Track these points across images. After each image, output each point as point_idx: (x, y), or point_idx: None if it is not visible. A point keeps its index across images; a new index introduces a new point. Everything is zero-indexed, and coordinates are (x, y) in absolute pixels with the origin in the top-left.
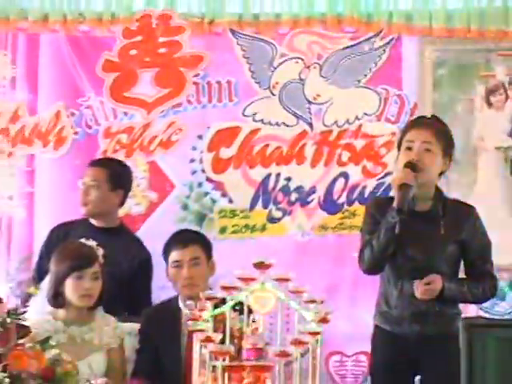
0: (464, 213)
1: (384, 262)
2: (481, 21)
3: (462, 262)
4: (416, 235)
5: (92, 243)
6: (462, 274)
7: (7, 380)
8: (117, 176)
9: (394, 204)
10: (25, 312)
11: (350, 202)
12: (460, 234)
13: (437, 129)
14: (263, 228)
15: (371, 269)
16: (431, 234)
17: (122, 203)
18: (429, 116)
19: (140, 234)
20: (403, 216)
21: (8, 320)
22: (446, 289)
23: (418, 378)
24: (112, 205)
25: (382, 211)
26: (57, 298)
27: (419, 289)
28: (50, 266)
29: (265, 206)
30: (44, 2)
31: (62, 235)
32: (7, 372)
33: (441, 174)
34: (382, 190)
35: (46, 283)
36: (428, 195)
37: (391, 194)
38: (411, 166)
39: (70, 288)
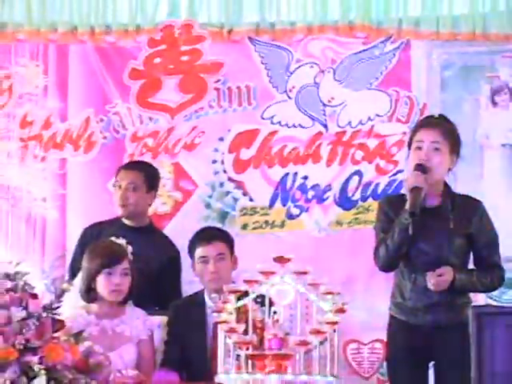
0: (472, 207)
1: (398, 260)
2: (485, 25)
3: (471, 254)
4: (427, 230)
5: (121, 241)
6: (471, 266)
7: (43, 372)
8: (151, 178)
9: (407, 206)
10: (59, 307)
11: (364, 199)
12: (468, 227)
13: (444, 128)
14: (282, 224)
15: (386, 267)
16: (441, 228)
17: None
18: (437, 116)
19: (166, 231)
20: (416, 217)
21: (43, 315)
22: (457, 280)
23: (431, 364)
24: (147, 206)
25: (394, 208)
26: (89, 293)
27: (432, 280)
28: (82, 263)
29: (283, 204)
30: (73, 15)
31: (95, 234)
32: (43, 364)
33: (449, 170)
34: (394, 186)
35: (79, 279)
36: (437, 191)
37: (402, 190)
38: (421, 168)
39: (101, 284)
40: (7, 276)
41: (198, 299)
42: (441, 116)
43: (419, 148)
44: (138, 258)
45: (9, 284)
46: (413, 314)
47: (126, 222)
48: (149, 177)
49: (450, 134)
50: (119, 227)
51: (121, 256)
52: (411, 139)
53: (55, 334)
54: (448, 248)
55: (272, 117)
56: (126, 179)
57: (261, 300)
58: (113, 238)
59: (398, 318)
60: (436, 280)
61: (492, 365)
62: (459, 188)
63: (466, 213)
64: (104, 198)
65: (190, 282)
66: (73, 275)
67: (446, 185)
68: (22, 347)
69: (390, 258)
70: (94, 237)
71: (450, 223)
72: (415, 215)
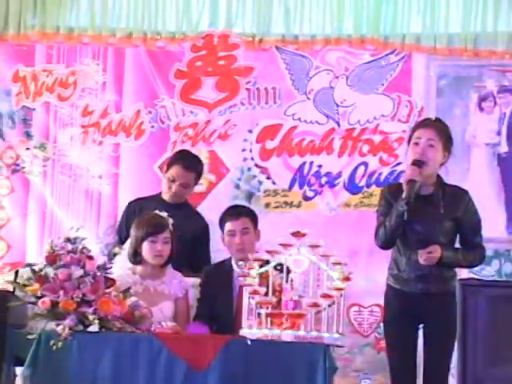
0: (459, 195)
1: (395, 240)
2: (475, 42)
3: (458, 235)
4: (421, 214)
5: (164, 214)
6: (457, 245)
7: (96, 321)
8: (200, 176)
9: (403, 196)
10: (111, 267)
11: (369, 185)
12: (456, 212)
13: (439, 129)
14: (299, 204)
15: (385, 245)
16: (433, 212)
17: None
18: (433, 118)
19: (201, 207)
20: (410, 205)
21: (98, 274)
22: (445, 256)
23: (421, 326)
24: (189, 194)
25: (394, 195)
26: (135, 257)
27: (423, 257)
28: (131, 231)
29: (300, 187)
30: (129, 23)
31: (137, 208)
32: (96, 314)
33: (441, 164)
34: (394, 175)
35: (127, 245)
36: (431, 182)
37: (401, 180)
38: (417, 163)
39: (146, 249)
40: (68, 240)
41: (226, 265)
42: (437, 119)
43: (417, 144)
44: (176, 229)
45: (70, 247)
46: (406, 283)
47: (165, 197)
48: (199, 175)
49: (444, 134)
50: (159, 202)
51: (163, 227)
52: (410, 136)
53: (107, 290)
54: (438, 229)
55: (293, 114)
56: (182, 178)
57: (280, 268)
58: (157, 211)
59: (393, 286)
60: (426, 256)
61: (475, 329)
62: (449, 179)
63: (455, 200)
64: (150, 178)
65: (219, 251)
66: (119, 241)
67: (438, 176)
68: (79, 300)
69: (388, 238)
70: (137, 210)
71: (441, 209)
72: (410, 204)
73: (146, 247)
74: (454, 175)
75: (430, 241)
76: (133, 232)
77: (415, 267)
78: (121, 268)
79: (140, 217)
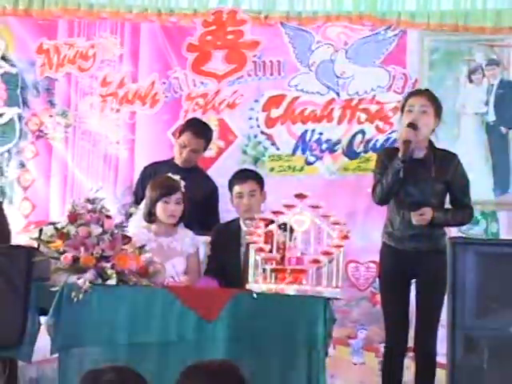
0: (450, 159)
1: (391, 196)
2: (466, 19)
3: (448, 196)
4: (414, 177)
5: (176, 177)
6: (447, 205)
7: (114, 275)
8: (209, 143)
9: (399, 155)
10: (127, 226)
11: (366, 151)
12: (446, 175)
13: (430, 96)
14: (301, 169)
15: (381, 201)
16: (425, 175)
17: None
18: (424, 89)
19: (211, 171)
20: (406, 164)
21: (115, 231)
22: (436, 217)
23: (413, 281)
24: (199, 158)
25: (389, 158)
26: (150, 216)
27: (415, 218)
28: (146, 192)
29: (303, 153)
30: (144, 0)
31: (152, 171)
32: (114, 269)
33: (432, 130)
34: (389, 142)
35: (143, 205)
36: (423, 146)
37: (396, 145)
38: (412, 125)
39: (159, 209)
40: (88, 200)
41: (234, 224)
42: (426, 90)
43: (410, 111)
44: (187, 191)
45: (89, 207)
46: (400, 241)
47: (178, 162)
48: (208, 142)
49: (435, 102)
50: (172, 166)
51: (176, 188)
52: (403, 105)
53: (124, 247)
54: (429, 191)
55: (296, 85)
56: (192, 145)
57: (283, 227)
58: (170, 174)
59: (388, 244)
60: (419, 218)
61: (463, 283)
62: (440, 146)
63: (445, 163)
64: (163, 144)
65: (228, 211)
66: (135, 201)
67: (430, 141)
68: (98, 256)
69: (384, 195)
70: (152, 173)
71: (432, 172)
72: (405, 162)
73: (159, 207)
74: (444, 142)
75: (422, 202)
76: (147, 193)
77: (408, 227)
78: (136, 226)
79: (154, 179)
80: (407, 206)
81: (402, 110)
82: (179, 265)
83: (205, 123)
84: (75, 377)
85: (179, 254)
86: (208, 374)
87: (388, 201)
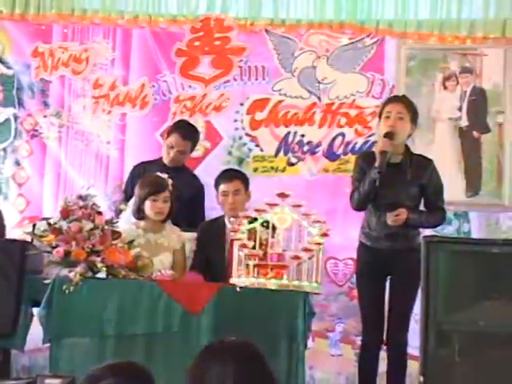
0: (425, 164)
1: (367, 203)
2: (441, 28)
3: (422, 199)
4: (390, 180)
5: (164, 176)
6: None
7: (104, 268)
8: (195, 144)
9: (376, 165)
10: (117, 222)
11: (345, 153)
12: (421, 179)
13: (407, 103)
14: (284, 169)
15: (358, 207)
16: (401, 179)
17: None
18: (401, 95)
19: (198, 170)
20: (381, 173)
21: (106, 227)
22: (410, 218)
23: (388, 278)
24: (186, 158)
25: (367, 162)
26: (139, 213)
27: (390, 218)
28: (135, 190)
29: (285, 154)
30: (135, 6)
31: (141, 170)
32: (104, 263)
33: (409, 136)
34: (368, 145)
35: (132, 202)
36: (399, 151)
37: (373, 149)
38: (388, 135)
39: (148, 207)
40: (80, 197)
41: (220, 222)
42: (403, 96)
43: (388, 117)
44: (175, 190)
45: (81, 203)
46: (376, 240)
47: (166, 162)
48: (195, 144)
49: (411, 108)
50: (160, 166)
51: (163, 187)
52: (381, 111)
53: (114, 242)
54: (405, 194)
55: (280, 89)
56: (179, 146)
57: (266, 224)
58: (158, 173)
59: (365, 243)
60: (394, 218)
61: (436, 280)
62: (416, 150)
63: (420, 168)
64: (152, 144)
65: (213, 209)
66: (125, 199)
67: (406, 146)
68: (89, 250)
69: (361, 202)
70: (141, 172)
71: (408, 175)
72: (381, 172)
73: (148, 205)
74: (420, 146)
75: (398, 204)
76: (137, 191)
77: (384, 227)
78: (126, 223)
79: (143, 178)
80: (383, 207)
81: (380, 116)
82: (166, 260)
83: (192, 125)
84: (66, 365)
85: (166, 249)
86: (227, 352)
87: (365, 207)
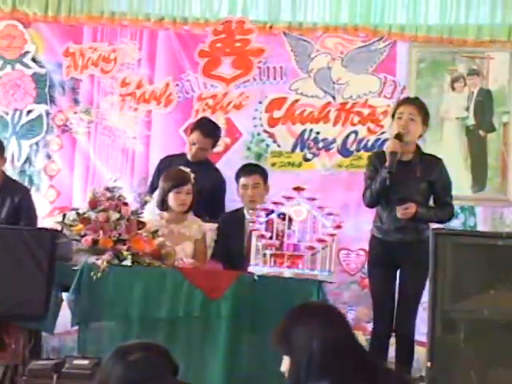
0: (434, 162)
1: (379, 200)
2: (450, 33)
3: (432, 196)
4: (401, 176)
5: (187, 169)
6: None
7: (129, 256)
8: (217, 141)
9: (386, 165)
10: (142, 213)
11: (358, 150)
12: (430, 176)
13: (419, 105)
14: (300, 164)
15: (370, 205)
16: (411, 176)
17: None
18: (414, 97)
19: (219, 164)
20: (392, 174)
21: (131, 217)
22: (419, 212)
23: (398, 268)
24: (208, 154)
25: (379, 160)
26: (163, 205)
27: (400, 211)
28: (159, 182)
29: (301, 150)
30: (161, 9)
31: (167, 164)
32: (129, 251)
33: (420, 136)
34: (379, 142)
35: (156, 194)
36: (410, 150)
37: (384, 147)
38: (399, 137)
39: (171, 199)
40: (107, 189)
41: (239, 213)
42: (416, 98)
43: (400, 118)
44: (197, 183)
45: (108, 194)
46: (387, 233)
47: (188, 157)
48: (216, 141)
49: (422, 110)
50: (185, 160)
51: (186, 180)
52: (394, 112)
53: (139, 231)
54: (415, 190)
55: (297, 89)
56: (201, 143)
57: (283, 216)
58: (181, 167)
59: (376, 236)
60: (403, 212)
61: (444, 271)
62: (425, 147)
63: (430, 166)
64: (176, 139)
65: (234, 201)
66: (151, 191)
67: (417, 146)
68: (115, 239)
69: (373, 200)
70: (166, 166)
71: (418, 172)
72: (391, 172)
73: (171, 197)
74: (429, 144)
75: (408, 199)
76: (161, 184)
77: (395, 220)
78: (151, 213)
79: (167, 172)
80: (394, 202)
81: (393, 116)
82: (188, 248)
83: (214, 123)
84: (93, 347)
85: (188, 238)
86: (313, 312)
87: (377, 204)
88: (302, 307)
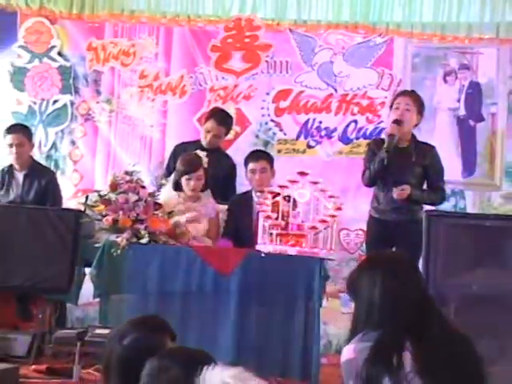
0: (428, 149)
1: (376, 180)
2: (443, 30)
3: (426, 180)
4: (397, 161)
5: (202, 153)
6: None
7: (147, 235)
8: (230, 129)
9: (384, 146)
10: (158, 194)
11: (357, 138)
12: (424, 161)
13: (414, 97)
14: (304, 151)
15: (369, 184)
16: (406, 160)
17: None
18: (410, 90)
19: (230, 151)
20: (389, 154)
21: (148, 199)
22: (413, 194)
23: (394, 247)
24: (221, 141)
25: (377, 146)
26: (178, 186)
27: (396, 193)
28: (176, 165)
29: (305, 138)
30: (176, 8)
31: (182, 149)
32: (147, 230)
33: (415, 125)
34: (377, 131)
35: (172, 176)
36: (406, 138)
37: (382, 135)
38: (396, 122)
39: (183, 183)
40: (127, 173)
41: (247, 196)
42: (412, 91)
43: (397, 108)
44: (211, 168)
45: (128, 178)
46: (383, 213)
47: (203, 144)
48: (229, 129)
49: (418, 102)
50: (198, 146)
51: (198, 166)
52: (392, 103)
53: (155, 212)
54: (409, 173)
55: (301, 81)
56: (215, 131)
57: (288, 198)
58: (198, 151)
59: (374, 215)
60: (399, 193)
61: (436, 249)
62: (420, 135)
63: (424, 152)
64: (190, 127)
65: (243, 184)
66: (167, 175)
67: (413, 135)
68: (134, 219)
69: (371, 179)
70: (182, 151)
71: (413, 158)
72: (389, 152)
73: (183, 182)
74: (423, 132)
75: (403, 182)
76: (177, 166)
77: (391, 201)
78: (168, 192)
79: (182, 155)
80: (390, 184)
81: (391, 107)
82: (201, 226)
83: (227, 113)
84: (113, 318)
85: (202, 216)
86: (378, 260)
87: (374, 183)
88: (371, 256)
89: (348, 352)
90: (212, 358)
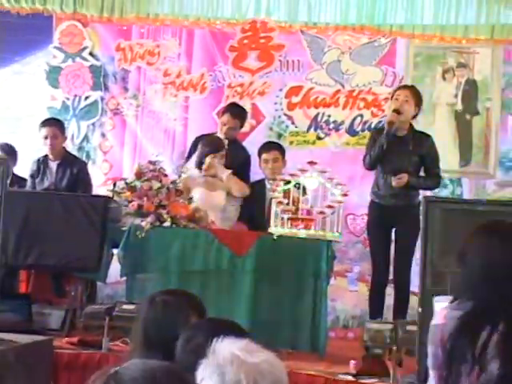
0: (424, 138)
1: (377, 164)
2: (442, 31)
3: (423, 168)
4: (396, 149)
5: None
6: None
7: (169, 219)
8: (244, 122)
9: (384, 132)
10: (180, 182)
11: (363, 130)
12: (422, 150)
13: (412, 90)
14: (313, 142)
15: (370, 167)
16: (404, 149)
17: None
18: (409, 84)
19: (245, 142)
20: (389, 139)
21: (170, 186)
22: (411, 181)
23: (393, 229)
24: (237, 133)
25: (378, 134)
26: (200, 165)
27: (395, 181)
28: (199, 146)
29: (315, 130)
30: (198, 11)
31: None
32: (169, 214)
33: (414, 116)
34: (381, 124)
35: (195, 157)
36: (405, 127)
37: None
38: (396, 111)
39: (207, 162)
40: (151, 162)
41: (261, 183)
42: (411, 85)
43: (397, 100)
44: (227, 158)
45: (152, 167)
46: (383, 198)
47: (220, 136)
48: (243, 122)
49: (416, 94)
50: None
51: (221, 147)
52: (393, 95)
53: (177, 198)
54: (407, 161)
55: (311, 78)
56: (230, 123)
57: (298, 186)
58: (218, 134)
59: (374, 200)
60: (397, 181)
61: (433, 233)
62: (420, 128)
63: (421, 141)
64: (210, 121)
65: (256, 173)
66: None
67: (411, 125)
68: (157, 204)
69: (372, 162)
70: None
71: (410, 146)
72: (389, 137)
73: (207, 161)
74: (423, 125)
75: (401, 169)
76: (200, 148)
77: (389, 187)
78: (190, 169)
79: (206, 137)
80: (390, 172)
81: (392, 99)
82: (220, 196)
83: (241, 107)
84: (138, 295)
85: (221, 186)
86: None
87: (375, 167)
88: (481, 225)
89: (439, 316)
90: (240, 327)
